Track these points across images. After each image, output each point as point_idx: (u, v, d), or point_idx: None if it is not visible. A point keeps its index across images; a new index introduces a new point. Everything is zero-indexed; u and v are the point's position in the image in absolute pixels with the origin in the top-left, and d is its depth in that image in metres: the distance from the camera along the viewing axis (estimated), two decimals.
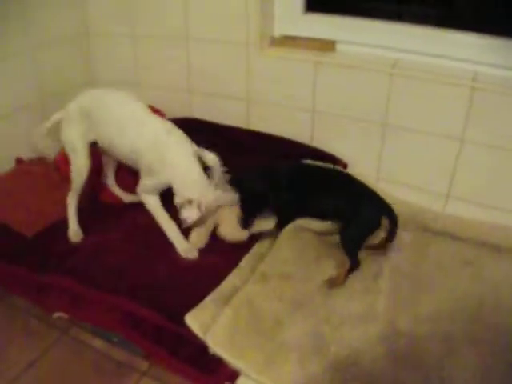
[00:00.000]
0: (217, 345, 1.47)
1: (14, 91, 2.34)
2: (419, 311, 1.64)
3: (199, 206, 1.70)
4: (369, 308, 1.64)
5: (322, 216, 1.91)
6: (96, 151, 1.98)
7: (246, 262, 1.79)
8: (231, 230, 1.84)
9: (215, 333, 1.48)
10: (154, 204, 1.83)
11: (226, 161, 2.21)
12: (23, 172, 2.27)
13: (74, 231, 1.96)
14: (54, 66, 2.51)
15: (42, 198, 2.11)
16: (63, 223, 1.98)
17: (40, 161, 2.34)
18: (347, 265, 1.74)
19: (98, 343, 1.81)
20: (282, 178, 1.92)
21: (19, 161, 2.35)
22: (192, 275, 1.72)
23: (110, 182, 2.18)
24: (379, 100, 2.09)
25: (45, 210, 2.05)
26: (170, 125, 1.83)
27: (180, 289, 1.66)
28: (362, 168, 2.21)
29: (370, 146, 2.19)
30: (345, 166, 2.22)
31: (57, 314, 1.78)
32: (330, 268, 1.79)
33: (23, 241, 1.92)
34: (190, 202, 1.69)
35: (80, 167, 1.92)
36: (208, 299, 1.60)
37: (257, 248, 1.86)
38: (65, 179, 2.02)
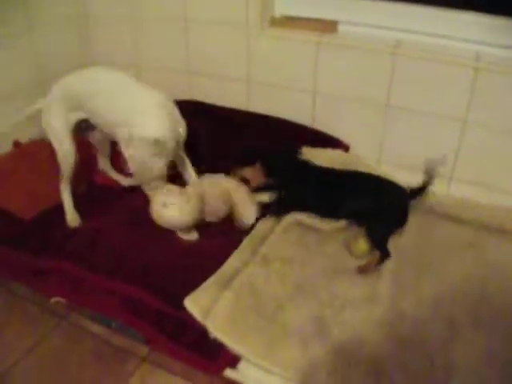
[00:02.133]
0: (217, 329, 1.44)
1: (12, 73, 2.31)
2: (423, 294, 1.61)
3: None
4: (372, 291, 1.61)
5: (345, 217, 1.86)
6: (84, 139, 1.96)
7: (246, 244, 1.76)
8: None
9: (215, 317, 1.46)
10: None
11: (225, 144, 2.20)
12: (21, 154, 2.24)
13: (72, 217, 1.94)
14: (52, 49, 2.48)
15: (40, 180, 2.06)
16: (62, 207, 1.95)
17: (38, 143, 2.30)
18: (377, 254, 1.70)
19: (96, 329, 1.78)
20: (313, 177, 1.88)
21: (16, 144, 2.31)
22: (192, 258, 1.70)
23: (106, 166, 2.15)
24: (381, 81, 2.05)
25: (43, 193, 2.01)
26: (163, 97, 1.80)
27: (180, 272, 1.64)
28: (363, 150, 2.19)
29: (372, 127, 2.16)
30: (346, 148, 2.19)
31: (54, 299, 1.75)
32: (332, 251, 1.77)
33: (21, 224, 1.89)
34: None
35: (66, 152, 1.88)
36: (208, 282, 1.57)
37: (257, 230, 1.83)
38: None
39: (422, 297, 1.60)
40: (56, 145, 1.89)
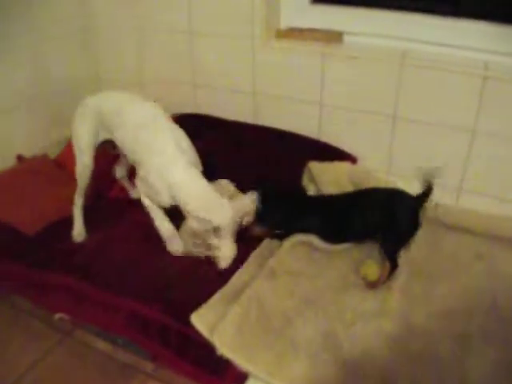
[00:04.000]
0: (224, 345, 1.41)
1: (15, 87, 2.31)
2: (433, 307, 1.58)
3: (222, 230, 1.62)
4: (382, 305, 1.58)
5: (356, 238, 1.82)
6: (105, 150, 1.94)
7: (254, 257, 1.74)
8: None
9: (223, 333, 1.43)
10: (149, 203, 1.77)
11: (230, 157, 2.18)
12: (24, 169, 2.22)
13: (79, 231, 1.92)
14: (57, 62, 2.48)
15: (44, 195, 2.06)
16: (65, 221, 1.94)
17: (41, 158, 2.30)
18: (387, 266, 1.65)
19: (102, 345, 1.77)
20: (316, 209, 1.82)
21: (20, 158, 2.30)
22: (199, 272, 1.68)
23: (122, 174, 2.12)
24: (388, 91, 2.03)
25: (47, 208, 2.01)
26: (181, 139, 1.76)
27: (186, 287, 1.61)
28: (372, 162, 2.16)
29: (380, 139, 2.13)
30: (354, 160, 2.16)
31: (58, 315, 1.73)
32: (341, 264, 1.74)
33: (25, 239, 1.87)
34: (215, 230, 1.62)
35: (84, 166, 1.88)
36: (215, 297, 1.55)
37: (265, 244, 1.81)
38: (72, 176, 1.95)
39: (432, 310, 1.57)
40: (77, 153, 1.88)
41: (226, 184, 2.02)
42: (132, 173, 2.01)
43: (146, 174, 1.70)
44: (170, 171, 1.65)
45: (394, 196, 1.76)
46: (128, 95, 1.87)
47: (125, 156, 1.93)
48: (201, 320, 1.46)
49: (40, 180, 2.14)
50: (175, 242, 1.76)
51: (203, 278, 1.65)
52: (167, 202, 1.69)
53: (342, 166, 2.08)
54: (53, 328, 1.82)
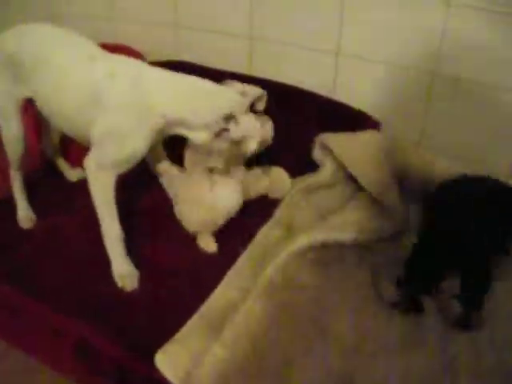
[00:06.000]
0: None
1: None
2: (481, 338, 1.17)
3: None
4: (413, 333, 1.18)
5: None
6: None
7: (245, 262, 1.32)
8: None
9: (199, 381, 1.03)
10: (104, 184, 1.28)
11: None
12: None
13: (24, 215, 1.52)
14: None
15: None
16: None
17: None
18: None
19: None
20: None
21: None
22: (170, 283, 1.27)
23: (51, 152, 1.70)
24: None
25: None
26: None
27: (152, 307, 1.21)
28: (402, 130, 1.69)
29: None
30: (376, 124, 1.70)
31: None
32: (362, 278, 1.31)
33: None
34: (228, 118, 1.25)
35: (13, 136, 1.44)
36: (188, 326, 1.13)
37: (260, 239, 1.38)
38: None
39: (480, 342, 1.17)
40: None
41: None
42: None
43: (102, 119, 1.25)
44: (144, 78, 1.25)
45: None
46: (52, 30, 1.37)
47: (49, 125, 1.51)
48: (169, 362, 1.05)
49: None
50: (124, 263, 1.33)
51: (175, 292, 1.24)
52: (146, 145, 1.26)
53: (370, 137, 1.59)
54: None
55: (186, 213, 1.40)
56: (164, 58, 1.98)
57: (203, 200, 1.36)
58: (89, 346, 1.15)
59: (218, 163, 1.38)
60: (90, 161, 1.27)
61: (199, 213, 1.37)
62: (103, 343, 1.13)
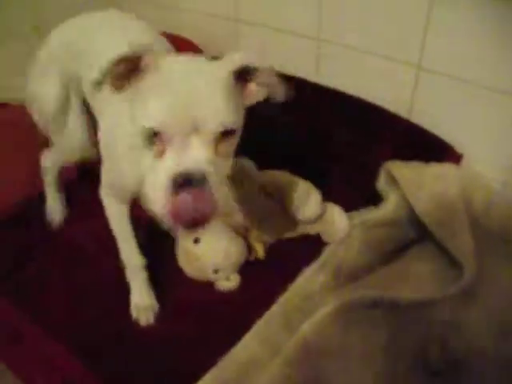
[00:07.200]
0: None
1: None
2: None
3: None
4: None
5: None
6: None
7: (279, 308, 1.12)
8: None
9: None
10: (115, 213, 1.15)
11: (274, 124, 1.51)
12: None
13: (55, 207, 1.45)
14: None
15: (14, 161, 1.50)
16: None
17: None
18: None
19: None
20: None
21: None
22: (189, 323, 1.11)
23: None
24: None
25: (14, 180, 1.46)
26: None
27: (162, 352, 1.05)
28: (488, 166, 1.40)
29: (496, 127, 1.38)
30: (456, 157, 1.43)
31: None
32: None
33: None
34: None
35: (73, 132, 1.30)
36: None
37: (300, 284, 1.17)
38: None
39: None
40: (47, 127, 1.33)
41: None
42: None
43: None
44: None
45: None
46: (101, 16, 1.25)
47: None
48: None
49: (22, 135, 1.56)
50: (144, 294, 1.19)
51: (191, 337, 1.08)
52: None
53: (445, 171, 1.33)
54: None
55: (179, 259, 1.29)
56: (223, 53, 1.80)
57: (188, 251, 1.25)
58: None
59: None
60: (100, 184, 1.14)
61: (186, 263, 1.26)
62: None
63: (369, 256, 1.25)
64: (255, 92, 0.93)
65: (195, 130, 0.79)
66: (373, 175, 1.38)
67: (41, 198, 1.46)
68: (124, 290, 1.18)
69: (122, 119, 0.94)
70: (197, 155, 0.78)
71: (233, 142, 0.87)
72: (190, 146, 0.79)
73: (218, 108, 0.81)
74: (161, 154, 0.80)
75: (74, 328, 1.10)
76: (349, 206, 1.38)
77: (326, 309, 1.07)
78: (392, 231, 1.31)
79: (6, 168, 1.46)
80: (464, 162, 1.42)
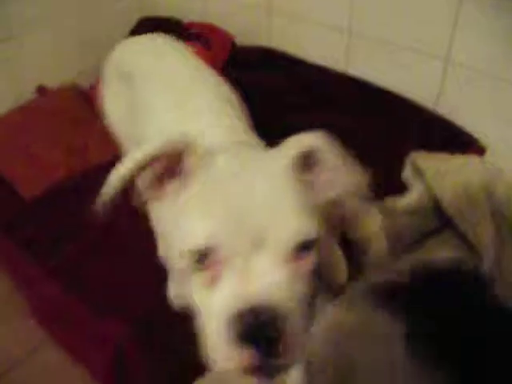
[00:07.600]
0: None
1: None
2: None
3: None
4: None
5: None
6: None
7: None
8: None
9: None
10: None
11: (305, 116, 1.55)
12: (42, 106, 1.72)
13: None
14: None
15: (58, 144, 1.58)
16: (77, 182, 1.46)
17: (68, 89, 1.79)
18: None
19: None
20: None
21: (41, 90, 1.81)
22: None
23: None
24: None
25: (56, 162, 1.53)
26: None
27: None
28: (507, 158, 1.42)
29: None
30: (480, 150, 1.47)
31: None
32: None
33: (18, 205, 1.44)
34: None
35: None
36: None
37: None
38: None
39: None
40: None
41: None
42: None
43: None
44: None
45: None
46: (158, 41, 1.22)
47: None
48: None
49: (59, 121, 1.64)
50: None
51: None
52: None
53: (468, 163, 1.37)
54: None
55: None
56: (254, 42, 1.85)
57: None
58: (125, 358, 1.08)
59: None
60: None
61: None
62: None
63: (393, 244, 1.30)
64: (328, 184, 0.71)
65: (258, 246, 0.59)
66: (398, 165, 1.42)
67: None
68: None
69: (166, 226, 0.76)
70: (264, 282, 0.58)
71: (312, 259, 0.64)
72: (253, 270, 0.59)
73: (287, 213, 0.61)
74: (213, 280, 0.60)
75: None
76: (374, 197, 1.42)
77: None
78: (416, 220, 1.36)
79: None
80: (487, 155, 1.46)
